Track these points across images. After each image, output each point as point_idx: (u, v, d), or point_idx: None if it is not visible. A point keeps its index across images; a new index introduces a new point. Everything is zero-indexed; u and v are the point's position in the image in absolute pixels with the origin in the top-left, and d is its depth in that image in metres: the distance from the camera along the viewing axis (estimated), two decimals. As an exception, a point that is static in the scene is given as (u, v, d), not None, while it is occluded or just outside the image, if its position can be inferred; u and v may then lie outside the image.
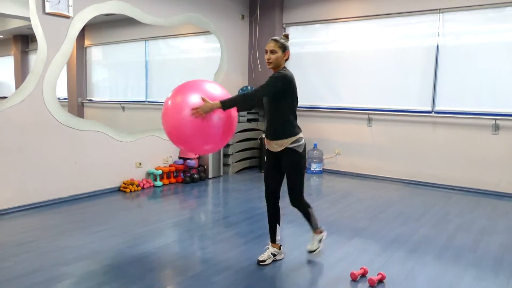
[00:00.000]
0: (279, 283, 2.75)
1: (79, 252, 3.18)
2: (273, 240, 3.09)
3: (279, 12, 6.91)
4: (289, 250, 3.29)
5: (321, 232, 3.21)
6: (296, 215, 4.24)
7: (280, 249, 3.11)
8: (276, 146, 2.95)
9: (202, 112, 2.72)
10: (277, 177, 3.04)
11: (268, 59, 2.88)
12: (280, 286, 2.72)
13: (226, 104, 2.76)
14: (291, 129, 2.93)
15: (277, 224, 3.08)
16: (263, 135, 6.59)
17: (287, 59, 2.93)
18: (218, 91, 2.96)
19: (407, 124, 5.94)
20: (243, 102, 2.86)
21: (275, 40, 2.89)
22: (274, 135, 2.96)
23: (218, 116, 2.82)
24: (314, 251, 3.16)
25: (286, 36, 2.98)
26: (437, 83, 5.67)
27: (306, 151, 3.02)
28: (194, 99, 2.80)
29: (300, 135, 2.97)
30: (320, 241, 3.19)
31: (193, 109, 2.73)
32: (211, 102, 2.75)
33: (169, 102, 2.92)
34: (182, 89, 2.93)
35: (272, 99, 2.90)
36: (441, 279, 2.84)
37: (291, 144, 2.91)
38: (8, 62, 5.99)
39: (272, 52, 2.87)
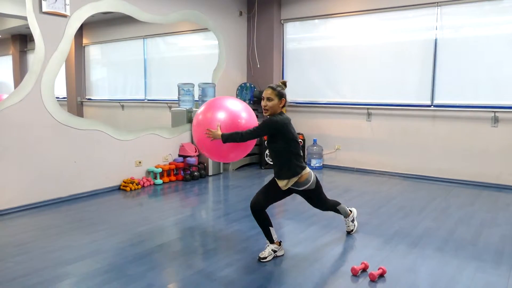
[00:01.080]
0: (280, 279, 2.75)
1: (79, 252, 3.18)
2: (271, 241, 3.08)
3: (276, 8, 6.89)
4: (290, 246, 3.29)
5: (351, 212, 3.57)
6: (296, 211, 4.25)
7: (280, 245, 3.12)
8: (282, 185, 3.09)
9: (212, 136, 3.12)
10: (270, 199, 3.10)
11: (265, 106, 3.03)
12: (281, 282, 2.72)
13: (223, 138, 3.06)
14: (292, 170, 3.03)
15: (270, 227, 3.08)
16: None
17: (283, 106, 3.06)
18: (242, 112, 3.36)
19: (406, 118, 5.93)
20: (237, 140, 3.06)
21: (272, 88, 3.02)
22: (277, 174, 3.11)
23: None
24: (352, 230, 3.57)
25: (284, 83, 3.10)
26: (436, 77, 5.66)
27: (316, 179, 3.18)
28: (219, 117, 3.23)
29: (305, 171, 3.06)
30: (353, 220, 3.57)
31: (207, 129, 3.15)
32: (219, 131, 3.09)
33: (200, 117, 3.33)
34: (212, 106, 3.33)
35: (270, 141, 3.06)
36: (443, 271, 2.84)
37: (301, 186, 3.06)
38: (6, 62, 5.98)
39: (269, 99, 3.01)
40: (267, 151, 6.54)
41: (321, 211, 3.51)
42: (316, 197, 3.21)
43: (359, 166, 6.42)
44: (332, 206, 3.37)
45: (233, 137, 3.05)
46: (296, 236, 3.54)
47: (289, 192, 3.13)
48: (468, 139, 5.47)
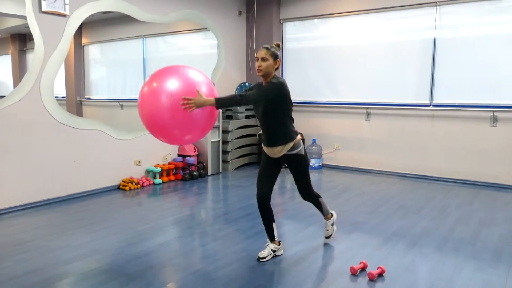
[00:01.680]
0: (279, 279, 2.76)
1: (79, 251, 3.18)
2: (272, 239, 3.09)
3: (276, 7, 6.89)
4: (289, 246, 3.30)
5: (331, 215, 3.37)
6: (295, 211, 4.26)
7: (279, 245, 3.12)
8: (276, 152, 2.99)
9: (194, 106, 2.63)
10: (270, 181, 3.06)
11: (259, 66, 2.88)
12: (280, 281, 2.72)
13: (220, 103, 2.73)
14: (289, 134, 2.96)
15: (273, 223, 3.08)
16: (262, 131, 6.62)
17: (277, 68, 2.96)
18: (201, 78, 2.80)
19: (405, 117, 5.94)
20: (237, 104, 2.81)
21: (267, 48, 2.90)
22: (272, 141, 2.97)
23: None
24: (330, 235, 3.37)
25: (278, 45, 3.00)
26: (434, 76, 5.66)
27: (305, 149, 3.05)
28: (173, 85, 2.63)
29: (298, 137, 3.01)
30: (333, 224, 3.37)
31: (184, 98, 2.62)
32: (204, 97, 2.68)
33: (145, 89, 2.72)
34: (162, 74, 2.72)
35: (268, 106, 2.90)
36: (441, 271, 2.85)
37: (293, 150, 2.96)
38: (6, 61, 5.98)
39: (263, 59, 2.87)
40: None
41: (304, 199, 3.20)
42: (303, 170, 3.04)
43: (358, 166, 6.42)
44: (315, 196, 3.21)
45: (233, 100, 2.78)
46: (295, 236, 3.55)
47: (280, 163, 3.05)
48: (467, 139, 5.48)
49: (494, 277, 2.77)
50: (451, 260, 3.04)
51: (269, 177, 3.05)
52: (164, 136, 2.79)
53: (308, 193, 3.17)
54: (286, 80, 2.97)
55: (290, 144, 2.95)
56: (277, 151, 2.98)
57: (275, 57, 2.89)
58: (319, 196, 3.25)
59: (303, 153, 3.01)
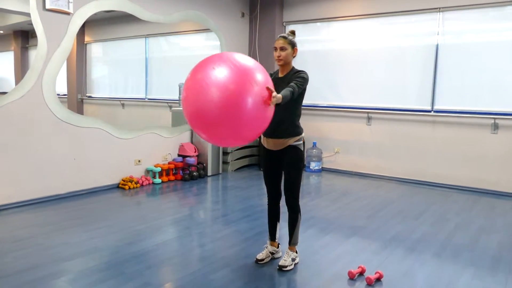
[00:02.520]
0: (277, 281, 2.75)
1: (77, 249, 3.18)
2: (273, 238, 3.09)
3: (279, 10, 6.90)
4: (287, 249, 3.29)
5: (296, 252, 3.03)
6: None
7: (278, 247, 3.12)
8: (278, 144, 2.91)
9: (273, 101, 2.38)
10: (277, 177, 3.04)
11: (279, 56, 2.85)
12: (278, 283, 2.72)
13: (285, 99, 2.55)
14: (298, 128, 2.95)
15: (278, 222, 3.09)
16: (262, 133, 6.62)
17: (295, 56, 2.93)
18: (252, 63, 2.44)
19: (406, 123, 5.94)
20: (294, 96, 2.69)
21: (284, 37, 2.86)
22: (279, 133, 2.88)
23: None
24: (286, 267, 2.90)
25: (293, 33, 2.94)
26: (436, 82, 5.67)
27: (306, 150, 3.03)
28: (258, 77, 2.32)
29: (303, 134, 2.99)
30: (293, 259, 2.96)
31: (268, 89, 2.36)
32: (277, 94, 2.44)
33: (199, 77, 2.33)
34: (213, 62, 2.37)
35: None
36: (440, 277, 2.84)
37: (295, 142, 2.92)
38: (8, 58, 5.98)
39: (282, 49, 2.84)
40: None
41: (287, 204, 2.95)
42: (295, 174, 2.90)
43: (358, 170, 6.42)
44: (298, 208, 2.96)
45: (292, 94, 2.65)
46: (294, 238, 3.54)
47: (280, 162, 2.97)
48: (467, 145, 5.48)
49: (492, 284, 2.76)
50: (449, 266, 3.04)
51: (276, 174, 3.03)
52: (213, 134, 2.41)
53: (295, 198, 2.93)
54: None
55: (295, 138, 2.91)
56: (281, 143, 2.89)
57: (293, 45, 2.88)
58: (299, 211, 2.98)
59: (302, 148, 2.96)
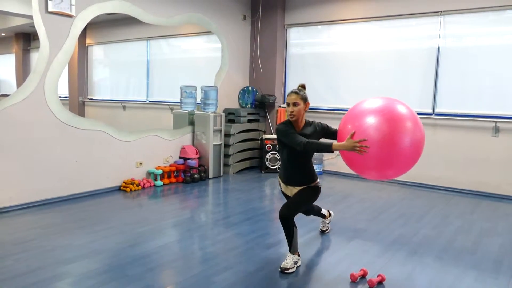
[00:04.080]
0: (279, 284, 2.75)
1: (79, 251, 3.18)
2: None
3: (280, 13, 6.92)
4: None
5: (299, 255, 3.04)
6: (296, 217, 4.25)
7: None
8: (294, 190, 3.12)
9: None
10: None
11: (292, 112, 2.98)
12: (279, 286, 2.72)
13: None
14: (314, 176, 3.15)
15: (321, 209, 3.56)
16: (264, 136, 6.64)
17: (306, 110, 3.08)
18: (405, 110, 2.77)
19: (407, 125, 5.93)
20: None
21: (296, 93, 2.99)
22: (295, 181, 3.12)
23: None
24: (287, 269, 2.89)
25: (303, 87, 3.11)
26: (437, 85, 5.67)
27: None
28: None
29: (318, 180, 3.19)
30: (295, 262, 2.97)
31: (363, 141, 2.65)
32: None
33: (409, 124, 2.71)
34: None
35: (292, 150, 3.02)
36: (441, 280, 2.84)
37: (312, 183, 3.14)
38: (10, 60, 5.99)
39: (295, 104, 2.98)
40: (267, 155, 6.54)
41: (280, 214, 2.98)
42: (303, 198, 3.05)
43: (359, 173, 6.41)
44: (292, 223, 2.96)
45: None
46: (295, 241, 3.54)
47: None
48: (468, 148, 5.48)
49: (494, 287, 2.76)
50: (451, 269, 3.04)
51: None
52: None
53: (291, 214, 2.95)
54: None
55: (312, 184, 3.13)
56: (296, 190, 3.12)
57: (305, 100, 3.03)
58: (295, 225, 2.98)
59: (319, 185, 3.17)
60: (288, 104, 2.99)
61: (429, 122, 5.76)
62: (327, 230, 3.74)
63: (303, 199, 3.09)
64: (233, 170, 6.46)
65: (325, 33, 6.69)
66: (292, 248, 2.98)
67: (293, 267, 2.94)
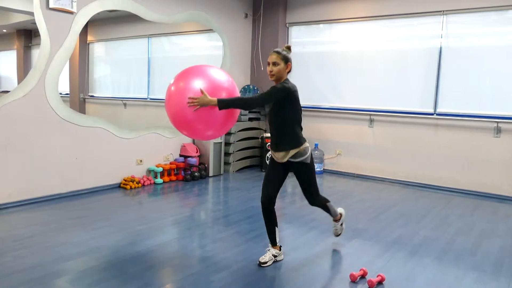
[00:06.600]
0: (278, 283, 2.74)
1: (78, 248, 3.17)
2: (274, 243, 3.07)
3: (282, 11, 6.90)
4: (289, 251, 3.28)
5: (340, 216, 3.41)
6: (295, 216, 4.25)
7: (280, 250, 3.11)
8: (280, 157, 2.98)
9: (198, 105, 2.75)
10: (275, 185, 3.02)
11: (271, 71, 2.89)
12: (279, 286, 2.71)
13: (222, 104, 2.77)
14: (294, 141, 2.95)
15: (276, 227, 3.06)
16: (264, 134, 6.63)
17: (289, 71, 2.95)
18: (224, 78, 2.96)
19: (408, 125, 5.93)
20: (240, 106, 2.85)
21: (277, 52, 2.89)
22: (277, 146, 2.98)
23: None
24: (339, 234, 3.47)
25: (288, 48, 2.98)
26: (439, 85, 5.66)
27: (311, 156, 3.05)
28: (198, 85, 2.80)
29: (305, 145, 2.99)
30: (342, 224, 3.43)
31: (189, 98, 2.75)
32: (209, 97, 2.76)
33: (172, 88, 2.90)
34: (186, 74, 2.91)
35: (274, 109, 2.91)
36: (441, 281, 2.83)
37: (298, 157, 2.94)
38: (11, 57, 5.98)
39: (275, 64, 2.88)
40: (268, 154, 6.53)
41: (311, 205, 3.17)
42: (309, 176, 3.02)
43: (360, 172, 6.41)
44: (323, 201, 3.20)
45: (236, 103, 2.82)
46: (295, 240, 3.54)
47: (286, 169, 3.03)
48: (470, 149, 5.47)
49: (494, 289, 2.75)
50: (451, 270, 3.02)
51: (275, 182, 3.02)
52: (188, 131, 2.95)
53: (316, 199, 3.14)
54: (296, 86, 2.94)
55: (294, 151, 2.94)
56: (281, 157, 2.98)
57: (286, 60, 2.89)
58: (326, 201, 3.23)
59: (308, 161, 2.98)
60: (268, 64, 2.90)
61: (430, 122, 5.74)
62: (340, 233, 3.49)
63: (310, 181, 3.04)
64: (233, 168, 6.45)
65: (327, 32, 6.68)
66: (333, 215, 3.34)
67: (341, 229, 3.45)
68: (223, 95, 2.85)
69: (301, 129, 3.02)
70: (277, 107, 2.90)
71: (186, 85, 2.82)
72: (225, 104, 2.78)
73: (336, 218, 3.38)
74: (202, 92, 2.76)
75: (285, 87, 2.83)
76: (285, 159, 2.96)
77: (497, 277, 2.94)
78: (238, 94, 3.01)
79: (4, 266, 2.82)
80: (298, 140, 2.95)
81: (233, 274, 2.84)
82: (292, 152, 2.94)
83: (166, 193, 5.03)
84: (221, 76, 2.96)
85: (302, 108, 3.07)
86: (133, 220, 3.92)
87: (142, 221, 3.89)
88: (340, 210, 3.44)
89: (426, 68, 5.75)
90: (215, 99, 2.75)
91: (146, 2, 5.26)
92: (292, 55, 3.00)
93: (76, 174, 4.71)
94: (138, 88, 7.12)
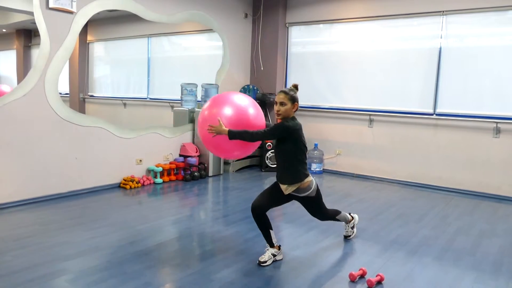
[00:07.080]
0: (278, 283, 2.75)
1: (78, 248, 3.18)
2: (271, 245, 3.08)
3: (282, 11, 6.91)
4: (288, 250, 3.29)
5: (352, 218, 3.58)
6: (295, 215, 4.25)
7: (279, 249, 3.11)
8: (283, 188, 3.08)
9: (215, 132, 2.98)
10: (271, 202, 3.10)
11: (278, 111, 2.99)
12: (278, 286, 2.71)
13: (231, 135, 2.95)
14: (294, 176, 3.02)
15: (270, 230, 3.07)
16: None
17: (295, 110, 3.04)
18: (252, 111, 3.19)
19: (408, 125, 5.94)
20: (246, 139, 2.98)
21: (285, 92, 2.98)
22: (280, 178, 3.09)
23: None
24: (349, 236, 3.59)
25: (296, 87, 3.06)
26: (439, 85, 5.66)
27: (317, 187, 3.15)
28: (219, 114, 3.06)
29: (307, 180, 3.04)
30: (353, 227, 3.59)
31: (209, 125, 3.00)
32: (223, 127, 2.96)
33: (206, 112, 3.15)
34: (218, 102, 3.17)
35: (278, 145, 3.05)
36: (441, 281, 2.84)
37: (301, 192, 3.04)
38: (10, 56, 5.98)
39: (282, 104, 2.97)
40: (268, 154, 6.54)
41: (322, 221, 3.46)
42: (315, 206, 3.17)
43: (359, 172, 6.41)
44: (332, 216, 3.35)
45: (242, 135, 2.96)
46: (295, 240, 3.54)
47: (289, 197, 3.11)
48: (469, 149, 5.47)
49: (493, 288, 2.76)
50: (451, 270, 3.03)
51: (272, 200, 3.11)
52: (218, 151, 3.27)
53: (325, 217, 3.32)
54: (300, 124, 3.04)
55: (296, 186, 3.02)
56: (283, 188, 3.07)
57: (293, 100, 2.99)
58: (337, 213, 3.39)
59: (313, 195, 3.07)
60: (276, 103, 3.01)
61: (430, 123, 5.75)
62: (350, 236, 3.60)
63: (316, 207, 3.19)
64: (233, 168, 6.46)
65: (327, 32, 6.68)
66: (345, 221, 3.53)
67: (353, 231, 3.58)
68: (250, 120, 3.10)
69: (305, 164, 3.08)
70: (279, 143, 3.03)
71: (210, 114, 3.10)
72: (233, 135, 2.95)
73: (348, 220, 3.53)
74: (219, 121, 2.97)
75: (286, 127, 2.93)
76: (287, 192, 3.06)
77: (496, 276, 2.94)
78: (262, 124, 3.18)
79: (4, 266, 2.82)
80: (298, 176, 3.02)
81: (233, 273, 2.84)
82: (293, 187, 3.02)
83: (166, 193, 5.03)
84: (245, 102, 3.18)
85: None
86: (133, 219, 3.92)
87: (142, 221, 3.89)
88: (353, 214, 3.63)
89: (426, 68, 5.75)
90: (226, 129, 2.95)
91: (146, 2, 5.26)
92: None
93: (76, 174, 4.71)
94: (137, 88, 7.12)
